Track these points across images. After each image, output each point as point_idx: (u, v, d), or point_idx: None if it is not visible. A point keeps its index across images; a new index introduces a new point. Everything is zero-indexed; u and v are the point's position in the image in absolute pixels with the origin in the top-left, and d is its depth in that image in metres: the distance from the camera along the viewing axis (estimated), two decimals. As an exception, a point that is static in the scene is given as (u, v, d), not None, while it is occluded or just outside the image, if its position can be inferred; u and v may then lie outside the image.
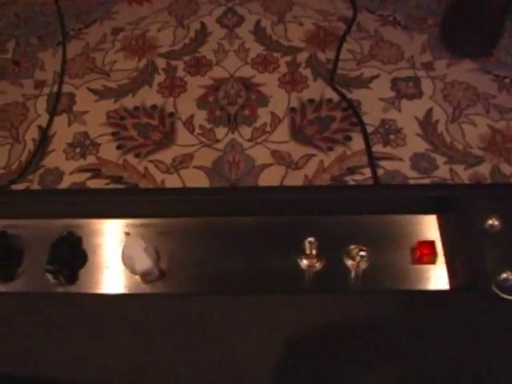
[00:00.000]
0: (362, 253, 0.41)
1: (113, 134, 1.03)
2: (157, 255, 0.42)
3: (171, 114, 1.05)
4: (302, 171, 0.97)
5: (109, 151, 1.01)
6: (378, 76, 1.10)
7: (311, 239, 0.40)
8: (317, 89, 1.08)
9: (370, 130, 1.02)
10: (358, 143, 1.01)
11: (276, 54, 1.13)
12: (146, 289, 0.42)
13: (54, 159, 1.02)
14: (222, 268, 0.41)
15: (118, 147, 1.01)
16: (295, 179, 0.96)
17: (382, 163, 0.99)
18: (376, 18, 1.19)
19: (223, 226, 0.43)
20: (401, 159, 0.99)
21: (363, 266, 0.42)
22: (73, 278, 0.43)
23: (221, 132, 1.02)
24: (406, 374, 0.37)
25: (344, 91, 1.06)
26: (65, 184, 0.99)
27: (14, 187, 0.98)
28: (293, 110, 1.04)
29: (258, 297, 0.39)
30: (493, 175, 0.96)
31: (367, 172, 0.98)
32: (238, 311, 0.38)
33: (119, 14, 1.23)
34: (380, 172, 0.98)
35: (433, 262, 0.42)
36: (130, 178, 0.97)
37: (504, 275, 0.39)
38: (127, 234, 0.41)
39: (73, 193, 0.53)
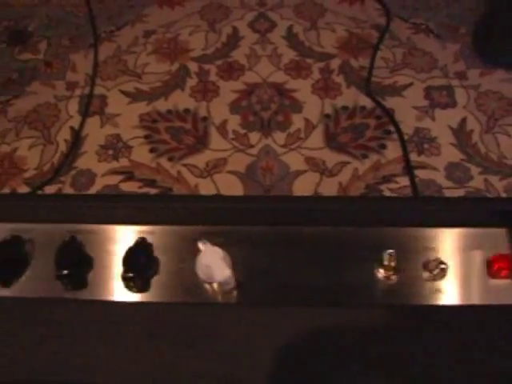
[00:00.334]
0: (443, 266, 0.40)
1: (145, 136, 1.03)
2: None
3: (204, 119, 1.04)
4: (337, 178, 0.96)
5: (141, 154, 1.01)
6: (411, 84, 1.09)
7: (391, 251, 0.39)
8: (350, 96, 1.07)
9: (404, 138, 1.01)
10: (392, 151, 1.00)
11: (309, 60, 1.13)
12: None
13: (87, 161, 1.01)
14: (297, 279, 0.41)
15: (151, 150, 1.01)
16: (329, 187, 0.96)
17: (417, 172, 0.98)
18: (409, 26, 1.19)
19: (297, 235, 0.42)
20: (435, 169, 0.98)
21: (439, 278, 0.41)
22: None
23: (254, 137, 1.01)
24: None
25: (378, 99, 1.05)
26: (97, 186, 0.98)
27: (47, 189, 0.98)
28: (327, 116, 1.04)
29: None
30: (529, 187, 0.95)
31: (402, 181, 0.97)
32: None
33: (150, 16, 1.23)
34: (415, 181, 0.97)
35: (510, 276, 0.42)
36: (164, 182, 0.97)
37: None
38: (203, 243, 0.40)
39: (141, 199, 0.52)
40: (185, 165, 0.98)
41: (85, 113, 1.07)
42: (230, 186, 0.95)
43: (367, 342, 0.37)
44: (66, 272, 0.40)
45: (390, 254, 0.39)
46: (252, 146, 1.00)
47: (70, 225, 0.43)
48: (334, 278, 0.41)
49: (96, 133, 1.05)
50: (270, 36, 1.17)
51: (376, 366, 0.37)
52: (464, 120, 1.04)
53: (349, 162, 0.98)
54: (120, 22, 1.22)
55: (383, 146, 1.00)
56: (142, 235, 0.41)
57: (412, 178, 0.89)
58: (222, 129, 1.02)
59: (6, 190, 1.00)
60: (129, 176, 0.98)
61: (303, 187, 0.95)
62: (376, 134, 1.02)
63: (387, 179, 0.97)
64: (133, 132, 1.04)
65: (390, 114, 0.98)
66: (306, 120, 1.03)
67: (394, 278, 0.41)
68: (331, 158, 0.99)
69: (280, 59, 1.13)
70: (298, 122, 1.03)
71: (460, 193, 0.96)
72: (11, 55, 1.19)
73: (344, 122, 1.03)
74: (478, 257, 0.42)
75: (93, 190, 0.98)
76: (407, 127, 1.03)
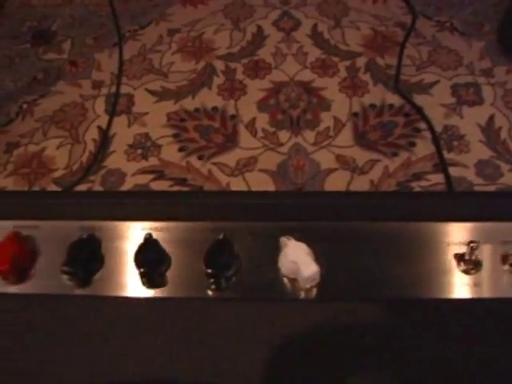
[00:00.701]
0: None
1: (174, 135, 1.03)
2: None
3: (233, 117, 1.04)
4: (368, 176, 0.96)
5: (171, 153, 1.01)
6: (438, 82, 1.09)
7: (474, 245, 0.39)
8: (378, 94, 1.07)
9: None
10: (422, 149, 1.00)
11: (335, 59, 1.12)
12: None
13: (116, 160, 1.01)
14: (373, 275, 0.41)
15: (181, 149, 1.01)
16: (361, 184, 0.96)
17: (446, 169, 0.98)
18: (433, 23, 1.19)
19: (364, 230, 0.42)
20: (465, 166, 0.98)
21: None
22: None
23: (284, 135, 1.01)
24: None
25: (408, 97, 1.05)
26: (127, 185, 0.98)
27: (77, 188, 0.98)
28: (355, 114, 1.04)
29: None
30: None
31: (433, 178, 0.97)
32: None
33: (174, 15, 1.23)
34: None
35: None
36: (194, 181, 0.97)
37: None
38: (288, 238, 0.40)
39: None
40: (215, 163, 0.98)
41: (112, 112, 1.07)
42: (262, 185, 0.95)
43: (453, 337, 0.37)
44: (143, 270, 0.40)
45: (473, 248, 0.39)
46: (282, 145, 1.00)
47: (147, 222, 0.43)
48: (412, 271, 0.41)
49: (124, 132, 1.05)
50: (295, 34, 1.17)
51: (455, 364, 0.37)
52: (492, 117, 1.04)
53: (379, 160, 0.98)
54: (144, 21, 1.22)
55: (413, 144, 1.00)
56: (223, 234, 0.40)
57: (446, 172, 0.89)
58: (251, 127, 1.02)
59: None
60: (159, 175, 0.98)
61: (335, 185, 0.95)
62: (405, 132, 1.02)
63: (418, 177, 0.97)
64: (161, 131, 1.04)
65: (420, 111, 0.98)
66: (335, 118, 1.03)
67: (473, 272, 0.41)
68: (361, 155, 0.99)
69: (306, 58, 1.13)
70: (326, 120, 1.03)
71: (491, 190, 0.96)
72: (36, 55, 1.19)
73: (373, 120, 1.03)
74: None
75: (123, 190, 0.97)
76: (436, 125, 1.03)
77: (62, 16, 1.26)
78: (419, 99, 1.06)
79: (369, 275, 0.40)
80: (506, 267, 0.42)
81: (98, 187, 0.99)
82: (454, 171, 0.98)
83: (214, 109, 1.05)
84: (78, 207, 0.43)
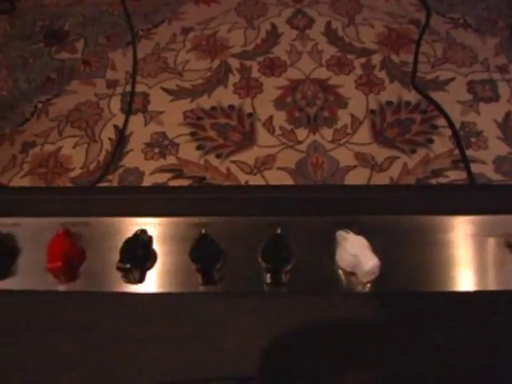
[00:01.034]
0: None
1: (191, 134, 1.03)
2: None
3: (250, 115, 1.04)
4: (387, 173, 0.96)
5: (189, 151, 1.01)
6: (453, 79, 1.09)
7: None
8: (394, 91, 1.07)
9: (450, 132, 1.01)
10: (440, 146, 1.00)
11: (350, 56, 1.12)
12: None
13: (133, 159, 1.01)
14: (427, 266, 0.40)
15: (198, 147, 1.01)
16: (380, 181, 0.96)
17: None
18: (446, 20, 1.19)
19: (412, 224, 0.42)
20: (484, 162, 0.98)
21: None
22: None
23: (302, 133, 1.01)
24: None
25: (426, 93, 1.05)
26: (146, 184, 0.98)
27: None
28: (372, 112, 1.04)
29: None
30: None
31: (452, 175, 0.97)
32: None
33: (187, 14, 1.23)
34: (464, 175, 0.97)
35: None
36: (213, 179, 0.97)
37: None
38: (347, 232, 0.40)
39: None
40: (233, 161, 0.98)
41: (128, 111, 1.07)
42: (281, 182, 0.95)
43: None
44: (199, 266, 0.39)
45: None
46: (300, 142, 1.00)
47: (203, 217, 0.42)
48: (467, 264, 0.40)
49: (140, 131, 1.04)
50: (309, 32, 1.17)
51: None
52: (508, 114, 1.04)
53: (397, 157, 0.98)
54: (156, 20, 1.22)
55: (430, 141, 1.00)
56: (280, 228, 0.40)
57: (468, 166, 0.89)
58: (268, 125, 1.02)
59: (54, 189, 0.99)
60: (178, 174, 0.98)
61: (355, 182, 0.95)
62: (422, 129, 1.02)
63: (437, 173, 0.97)
64: (178, 129, 1.04)
65: (440, 107, 0.98)
66: (352, 115, 1.03)
67: None
68: (380, 152, 0.99)
69: (321, 55, 1.13)
70: (344, 117, 1.03)
71: None
72: (49, 55, 1.19)
73: (390, 117, 1.03)
74: None
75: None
76: (453, 121, 1.02)
77: (73, 15, 1.25)
78: (435, 96, 1.06)
79: (421, 269, 0.40)
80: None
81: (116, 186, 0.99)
82: (472, 168, 0.97)
83: (231, 107, 1.05)
84: (128, 203, 0.43)
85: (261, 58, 1.13)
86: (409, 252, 0.42)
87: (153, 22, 1.21)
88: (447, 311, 0.39)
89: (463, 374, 0.37)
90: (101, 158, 1.02)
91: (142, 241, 0.39)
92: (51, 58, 1.18)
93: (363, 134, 1.01)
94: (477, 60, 1.12)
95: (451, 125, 0.94)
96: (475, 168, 0.97)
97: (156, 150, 1.01)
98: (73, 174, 1.01)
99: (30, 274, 0.41)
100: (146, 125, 1.05)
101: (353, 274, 0.42)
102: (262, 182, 0.96)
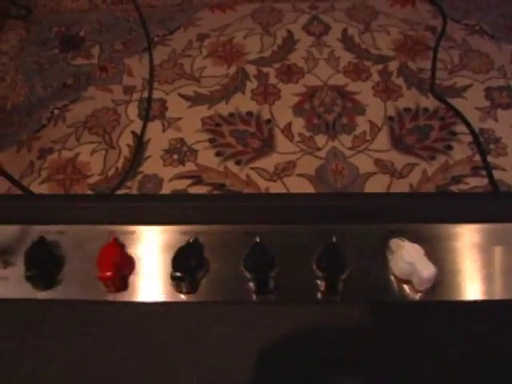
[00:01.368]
0: None
1: (210, 140, 1.03)
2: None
3: (268, 121, 1.04)
4: (407, 180, 0.96)
5: (208, 158, 1.01)
6: (471, 85, 1.09)
7: None
8: (412, 98, 1.07)
9: (469, 139, 1.01)
10: (459, 153, 1.00)
11: (367, 63, 1.13)
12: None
13: (152, 166, 1.01)
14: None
15: (217, 154, 1.00)
16: (401, 188, 0.96)
17: (485, 172, 0.98)
18: (462, 27, 1.19)
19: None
20: (504, 169, 0.98)
21: None
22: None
23: (321, 140, 1.01)
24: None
25: (447, 100, 1.05)
26: (165, 191, 0.98)
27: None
28: (390, 118, 1.04)
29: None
30: None
31: (472, 181, 0.97)
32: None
33: (202, 20, 1.23)
34: (484, 181, 0.97)
35: None
36: (233, 186, 0.96)
37: None
38: (402, 239, 0.40)
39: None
40: (253, 168, 0.98)
41: (145, 117, 1.07)
42: (302, 189, 0.95)
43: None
44: (254, 275, 0.38)
45: None
46: (319, 149, 1.00)
47: (254, 225, 0.42)
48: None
49: (159, 137, 1.04)
50: (326, 39, 1.17)
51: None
52: (527, 120, 1.04)
53: (417, 164, 0.98)
54: (172, 26, 1.22)
55: (449, 147, 1.00)
56: (334, 237, 0.40)
57: (490, 174, 0.89)
58: (287, 131, 1.02)
59: (72, 196, 0.99)
60: (197, 180, 0.98)
61: (375, 189, 0.95)
62: (441, 136, 1.02)
63: (457, 180, 0.96)
64: (196, 136, 1.03)
65: (460, 114, 0.98)
66: (371, 122, 1.03)
67: None
68: (399, 159, 0.99)
69: (338, 62, 1.13)
70: (362, 124, 1.03)
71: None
72: (65, 61, 1.19)
73: (408, 124, 1.03)
74: None
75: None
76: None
77: (89, 22, 1.26)
78: (453, 103, 1.06)
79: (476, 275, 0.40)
80: None
81: (135, 192, 0.98)
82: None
83: (249, 113, 1.05)
84: (176, 211, 0.42)
85: (278, 65, 1.13)
86: (458, 259, 0.42)
87: (168, 28, 1.21)
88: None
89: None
90: (119, 165, 1.02)
91: (195, 249, 0.39)
92: (67, 63, 1.18)
93: (382, 140, 1.01)
94: (493, 66, 1.12)
95: (472, 131, 0.94)
96: (495, 175, 0.97)
97: (175, 157, 1.01)
98: (91, 181, 1.00)
99: (77, 283, 0.41)
100: (163, 131, 1.05)
101: (407, 282, 0.42)
102: (282, 189, 0.96)
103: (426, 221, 0.42)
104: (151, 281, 0.41)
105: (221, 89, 1.10)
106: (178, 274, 0.38)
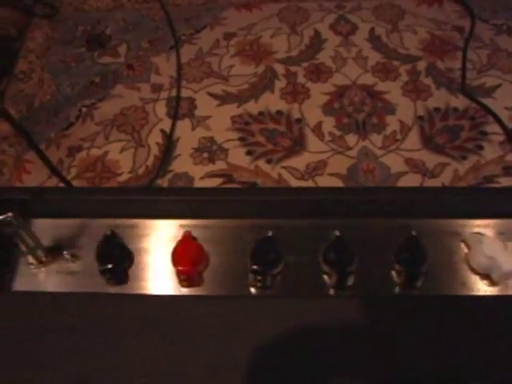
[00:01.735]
0: None
1: (240, 139, 1.02)
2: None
3: (298, 120, 1.04)
4: (439, 180, 0.96)
5: (238, 156, 1.00)
6: (500, 85, 1.09)
7: None
8: (441, 97, 1.07)
9: (500, 139, 1.01)
10: (490, 152, 1.00)
11: (395, 63, 1.12)
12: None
13: (182, 164, 1.01)
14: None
15: (248, 153, 1.00)
16: (433, 188, 0.95)
17: (517, 173, 0.97)
18: (490, 27, 1.19)
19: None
20: (536, 169, 0.98)
21: None
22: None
23: (351, 139, 1.01)
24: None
25: (470, 100, 1.05)
26: (196, 189, 0.97)
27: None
28: (420, 118, 1.04)
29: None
30: None
31: (503, 181, 0.96)
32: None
33: (229, 19, 1.23)
34: (514, 182, 0.97)
35: None
36: (265, 185, 0.96)
37: None
38: (481, 234, 0.39)
39: None
40: (284, 167, 0.98)
41: (174, 115, 1.07)
42: (334, 188, 0.94)
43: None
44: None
45: None
46: (350, 148, 1.00)
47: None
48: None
49: (188, 135, 1.04)
50: (353, 38, 1.17)
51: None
52: (557, 120, 1.03)
53: (448, 164, 0.98)
54: (198, 25, 1.22)
55: (480, 147, 1.00)
56: (414, 231, 0.40)
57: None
58: (317, 131, 1.02)
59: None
60: (228, 179, 0.97)
61: (407, 189, 0.94)
62: (472, 135, 1.01)
63: (489, 180, 0.96)
64: (226, 134, 1.03)
65: (494, 113, 0.98)
66: (401, 122, 1.03)
67: None
68: (430, 159, 0.98)
69: (366, 61, 1.12)
70: (392, 123, 1.03)
71: None
72: (91, 59, 1.19)
73: (438, 124, 1.03)
74: None
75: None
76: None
77: (114, 20, 1.26)
78: (483, 102, 1.06)
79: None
80: None
81: (165, 191, 0.98)
82: (524, 174, 0.97)
83: (279, 112, 1.05)
84: (250, 204, 0.42)
85: (306, 64, 1.12)
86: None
87: (195, 27, 1.21)
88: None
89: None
90: (149, 163, 1.02)
91: (272, 244, 0.39)
92: (94, 62, 1.19)
93: (413, 140, 1.01)
94: (522, 66, 1.12)
95: (506, 130, 0.94)
96: (527, 175, 0.97)
97: (205, 155, 1.01)
98: (121, 179, 1.00)
99: (151, 278, 0.41)
100: (193, 129, 1.05)
101: (486, 276, 0.41)
102: (313, 188, 0.96)
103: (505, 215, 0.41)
104: (224, 275, 0.41)
105: (249, 88, 1.10)
106: (258, 268, 0.38)
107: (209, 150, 1.01)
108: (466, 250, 0.41)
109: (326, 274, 0.41)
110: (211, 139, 1.03)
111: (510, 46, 1.15)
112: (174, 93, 1.11)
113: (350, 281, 0.40)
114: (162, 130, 1.05)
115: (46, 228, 0.43)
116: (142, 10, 1.27)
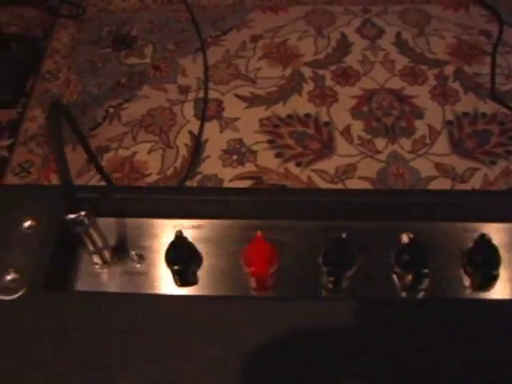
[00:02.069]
0: None
1: (269, 141, 1.03)
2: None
3: (327, 124, 1.04)
4: (469, 185, 0.96)
5: (267, 159, 1.00)
6: (528, 90, 1.09)
7: None
8: (469, 102, 1.07)
9: (529, 145, 1.01)
10: (520, 158, 0.99)
11: (423, 67, 1.12)
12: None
13: (211, 166, 1.01)
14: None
15: (277, 155, 1.00)
16: (463, 193, 0.95)
17: (546, 179, 0.97)
18: (516, 32, 1.18)
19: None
20: None
21: None
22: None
23: (380, 143, 1.01)
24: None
25: (498, 105, 1.05)
26: (225, 191, 0.97)
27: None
28: (449, 122, 1.03)
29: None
30: None
31: (533, 187, 0.96)
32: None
33: (255, 21, 1.23)
34: (545, 188, 0.97)
35: None
36: (294, 187, 0.96)
37: None
38: None
39: None
40: (314, 170, 0.98)
41: (202, 117, 1.07)
42: (364, 192, 0.94)
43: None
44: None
45: None
46: (379, 152, 1.00)
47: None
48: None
49: (216, 137, 1.04)
50: (380, 42, 1.17)
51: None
52: None
53: (478, 169, 0.98)
54: (225, 27, 1.22)
55: (510, 153, 1.00)
56: (483, 234, 0.39)
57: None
58: (346, 134, 1.02)
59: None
60: (257, 181, 0.98)
61: (438, 193, 0.94)
62: (501, 141, 1.01)
63: (518, 186, 0.96)
64: (255, 137, 1.03)
65: (525, 120, 0.97)
66: (429, 126, 1.03)
67: None
68: (460, 164, 0.98)
69: (393, 65, 1.12)
70: (421, 128, 1.03)
71: None
72: (117, 60, 1.19)
73: (467, 129, 1.03)
74: None
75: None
76: (532, 134, 1.02)
77: (140, 21, 1.26)
78: None
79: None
80: None
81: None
82: (554, 180, 0.97)
83: (307, 115, 1.05)
84: (318, 205, 0.42)
85: (333, 67, 1.13)
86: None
87: (221, 29, 1.22)
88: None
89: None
90: (177, 164, 1.02)
91: (347, 244, 0.39)
92: (120, 62, 1.19)
93: (442, 144, 1.01)
94: (550, 72, 1.12)
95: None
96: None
97: (234, 157, 1.01)
98: (149, 180, 1.01)
99: (217, 279, 0.41)
100: (221, 131, 1.05)
101: None
102: (343, 191, 0.95)
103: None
104: (293, 277, 0.40)
105: (277, 90, 1.10)
106: (329, 270, 0.38)
107: (238, 152, 1.01)
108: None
109: (398, 275, 0.41)
110: (240, 141, 1.03)
111: (538, 51, 1.15)
112: (201, 94, 1.11)
113: (425, 283, 0.40)
114: (191, 132, 1.06)
115: (111, 228, 0.43)
116: (168, 11, 1.27)
